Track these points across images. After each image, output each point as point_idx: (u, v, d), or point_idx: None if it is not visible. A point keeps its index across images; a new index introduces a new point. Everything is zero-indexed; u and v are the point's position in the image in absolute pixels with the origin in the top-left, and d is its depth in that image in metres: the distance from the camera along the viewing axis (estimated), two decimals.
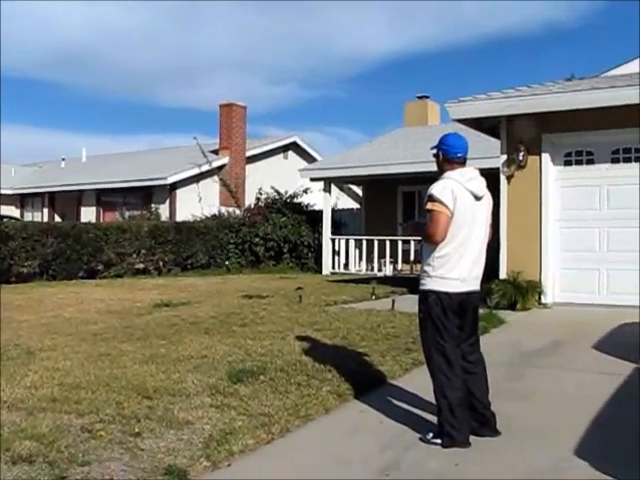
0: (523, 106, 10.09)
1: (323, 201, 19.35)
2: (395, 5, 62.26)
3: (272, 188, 21.03)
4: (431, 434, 4.22)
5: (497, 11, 61.36)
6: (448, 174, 4.26)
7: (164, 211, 22.80)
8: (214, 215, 21.19)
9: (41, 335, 7.78)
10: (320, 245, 19.18)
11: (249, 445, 4.10)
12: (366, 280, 14.44)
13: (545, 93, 10.16)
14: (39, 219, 26.23)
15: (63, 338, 7.59)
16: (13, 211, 27.87)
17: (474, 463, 3.89)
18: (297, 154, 27.21)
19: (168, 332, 7.94)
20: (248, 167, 24.68)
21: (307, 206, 20.89)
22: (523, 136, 10.42)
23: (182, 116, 75.61)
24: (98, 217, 25.05)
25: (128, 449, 3.99)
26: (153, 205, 23.13)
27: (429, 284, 4.22)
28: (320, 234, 19.17)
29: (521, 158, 10.39)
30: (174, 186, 22.99)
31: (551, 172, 10.41)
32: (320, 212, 19.47)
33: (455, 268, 4.17)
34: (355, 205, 23.89)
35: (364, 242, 18.53)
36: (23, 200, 29.12)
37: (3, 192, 27.93)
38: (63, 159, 31.68)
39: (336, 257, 19.02)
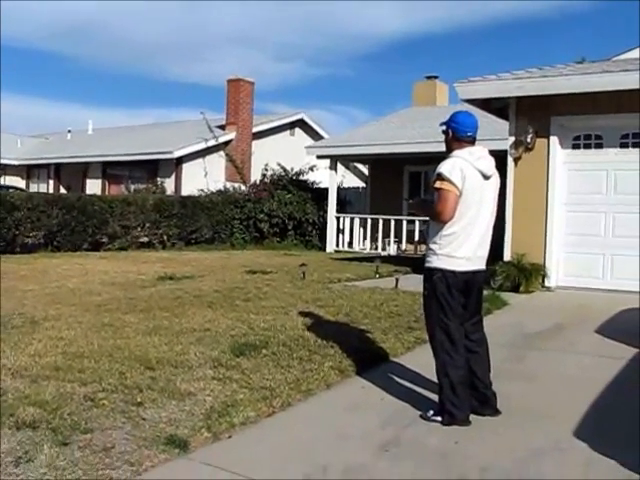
0: (533, 88, 10.02)
1: (329, 179, 19.31)
2: None
3: (278, 165, 20.98)
4: (432, 411, 4.24)
5: None
6: (457, 153, 4.24)
7: (170, 185, 22.77)
8: (219, 190, 21.17)
9: (45, 305, 7.82)
10: (325, 223, 19.17)
11: (250, 418, 4.13)
12: (370, 259, 14.45)
13: (555, 75, 10.08)
14: (44, 190, 26.20)
15: (67, 308, 7.62)
16: (19, 182, 27.86)
17: (474, 441, 3.91)
18: (304, 131, 27.11)
19: (171, 305, 7.96)
20: (254, 143, 24.61)
21: (313, 184, 20.85)
22: (532, 118, 10.36)
23: (189, 91, 75.41)
24: (103, 190, 25.04)
25: (130, 418, 4.03)
26: (159, 179, 23.10)
27: (435, 262, 4.21)
28: (325, 212, 19.15)
29: (529, 140, 10.33)
30: (180, 160, 22.94)
31: (559, 155, 10.36)
32: (325, 190, 19.43)
33: (462, 247, 4.16)
34: (361, 184, 23.82)
35: (369, 221, 18.54)
36: (29, 171, 29.10)
37: (9, 162, 27.90)
38: (69, 131, 31.59)
39: (340, 235, 19.02)
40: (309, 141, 24.81)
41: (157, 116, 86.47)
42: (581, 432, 4.03)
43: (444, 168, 4.16)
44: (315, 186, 20.78)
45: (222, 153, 23.38)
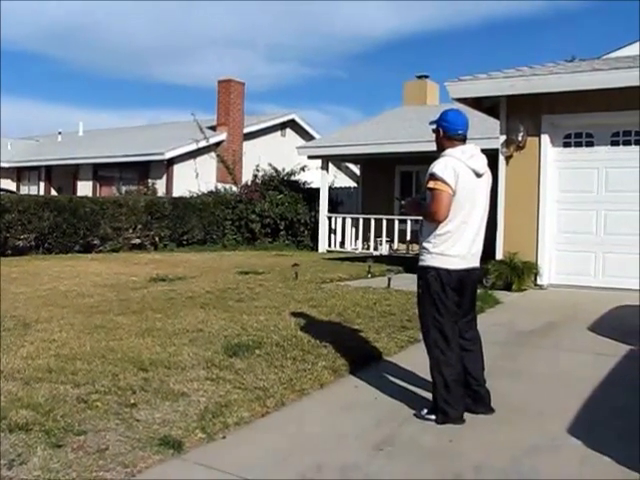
0: (523, 86, 10.03)
1: (320, 179, 19.30)
2: None
3: (269, 165, 20.97)
4: (425, 410, 4.24)
5: None
6: (449, 152, 4.23)
7: (161, 187, 22.73)
8: (211, 191, 21.14)
9: (37, 307, 7.78)
10: (316, 223, 19.16)
11: (244, 418, 4.12)
12: (362, 258, 14.46)
13: (546, 74, 10.10)
14: (35, 192, 26.09)
15: (59, 310, 7.59)
16: (9, 184, 27.72)
17: (468, 439, 3.91)
18: (295, 132, 27.11)
19: (164, 306, 7.94)
20: (245, 144, 24.59)
21: (304, 184, 20.85)
22: (523, 117, 10.39)
23: (179, 92, 75.38)
24: (95, 191, 24.97)
25: (124, 420, 4.01)
26: (150, 180, 23.05)
27: (429, 260, 4.21)
28: (317, 212, 19.15)
29: (520, 139, 10.36)
30: (171, 162, 22.91)
31: (550, 153, 10.38)
32: (317, 190, 19.43)
33: (455, 245, 4.15)
34: (352, 184, 23.85)
35: (361, 221, 18.55)
36: (19, 173, 28.98)
37: None
38: (60, 133, 31.51)
39: (332, 235, 19.03)
40: (300, 141, 24.81)
41: (148, 117, 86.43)
42: (575, 429, 4.03)
43: (437, 168, 4.15)
44: (307, 186, 20.78)
45: (213, 154, 23.36)
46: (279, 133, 26.80)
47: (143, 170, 23.40)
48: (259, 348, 5.76)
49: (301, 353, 5.64)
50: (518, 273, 9.95)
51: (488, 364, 4.53)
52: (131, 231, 18.05)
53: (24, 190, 27.60)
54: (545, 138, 10.35)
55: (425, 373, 4.45)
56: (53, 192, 26.21)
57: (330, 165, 20.06)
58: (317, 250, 18.74)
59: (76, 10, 62.40)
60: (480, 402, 4.32)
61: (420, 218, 4.47)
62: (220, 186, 21.74)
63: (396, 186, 20.27)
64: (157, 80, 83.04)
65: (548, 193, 10.34)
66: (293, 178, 20.83)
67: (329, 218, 18.99)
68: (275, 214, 19.79)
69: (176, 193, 21.73)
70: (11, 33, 64.68)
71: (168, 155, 22.57)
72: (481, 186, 4.25)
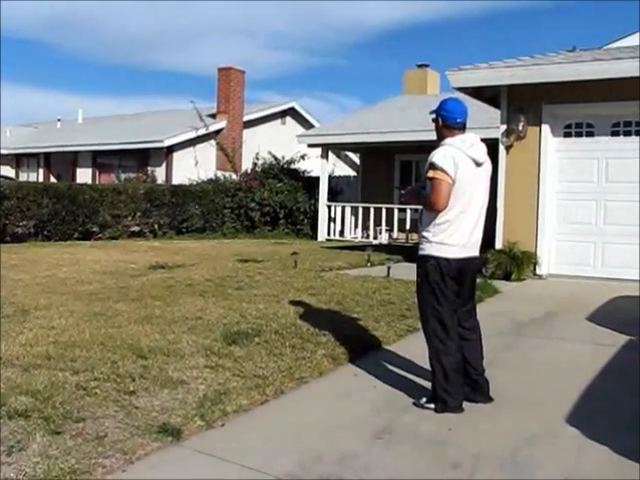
0: (524, 76, 10.00)
1: (320, 168, 19.27)
2: None
3: (269, 153, 20.93)
4: (424, 399, 4.24)
5: None
6: (449, 141, 4.22)
7: (160, 174, 22.67)
8: (210, 179, 21.10)
9: (36, 294, 7.78)
10: (316, 211, 19.15)
11: (243, 406, 4.12)
12: (361, 247, 14.45)
13: (547, 63, 10.08)
14: (34, 180, 26.05)
15: (58, 297, 7.58)
16: (8, 171, 27.65)
17: (467, 428, 3.92)
18: (295, 120, 27.03)
19: (163, 293, 7.94)
20: (245, 132, 24.53)
21: (304, 172, 20.81)
22: (523, 106, 10.36)
23: (179, 80, 75.15)
24: (94, 179, 24.92)
25: (123, 407, 4.01)
26: (149, 168, 22.98)
27: (428, 249, 4.21)
28: (316, 200, 19.13)
29: (521, 128, 10.33)
30: (171, 149, 22.85)
31: (550, 143, 10.36)
32: (317, 179, 19.41)
33: (455, 234, 4.15)
34: (352, 173, 23.81)
35: (360, 209, 18.53)
36: (18, 160, 28.92)
37: None
38: (59, 120, 31.41)
39: (332, 224, 19.01)
40: (300, 130, 24.75)
41: (147, 105, 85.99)
42: (573, 418, 4.04)
43: (436, 157, 4.14)
44: (306, 175, 20.74)
45: (213, 142, 23.31)
46: (279, 121, 26.73)
47: (142, 158, 23.35)
48: (258, 336, 5.77)
49: (300, 341, 5.65)
50: (517, 263, 9.95)
51: (487, 353, 4.53)
52: (130, 219, 18.02)
53: (23, 177, 27.55)
54: (546, 128, 10.33)
55: (424, 362, 4.46)
56: (52, 179, 26.17)
57: (330, 154, 20.04)
58: (316, 239, 18.73)
59: None
60: (479, 391, 4.33)
61: (420, 207, 4.47)
62: (220, 174, 21.69)
63: (396, 175, 20.25)
64: (157, 68, 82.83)
65: (548, 183, 10.33)
66: (293, 166, 20.80)
67: (329, 207, 18.97)
68: (275, 202, 19.77)
69: (175, 181, 21.70)
70: (10, 22, 64.42)
71: (167, 143, 22.50)
72: (481, 175, 4.24)
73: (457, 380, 4.16)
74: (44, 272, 9.78)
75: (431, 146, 4.40)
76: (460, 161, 4.11)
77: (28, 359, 4.91)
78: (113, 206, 17.53)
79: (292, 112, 27.05)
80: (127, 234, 17.91)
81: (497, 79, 10.37)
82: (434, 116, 4.38)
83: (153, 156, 23.15)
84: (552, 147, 10.37)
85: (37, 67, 76.47)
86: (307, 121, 27.03)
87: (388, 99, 23.47)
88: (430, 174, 4.13)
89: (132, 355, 5.09)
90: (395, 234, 17.86)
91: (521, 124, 10.31)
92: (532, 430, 3.85)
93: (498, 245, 10.39)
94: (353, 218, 18.80)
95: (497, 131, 10.66)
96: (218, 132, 23.75)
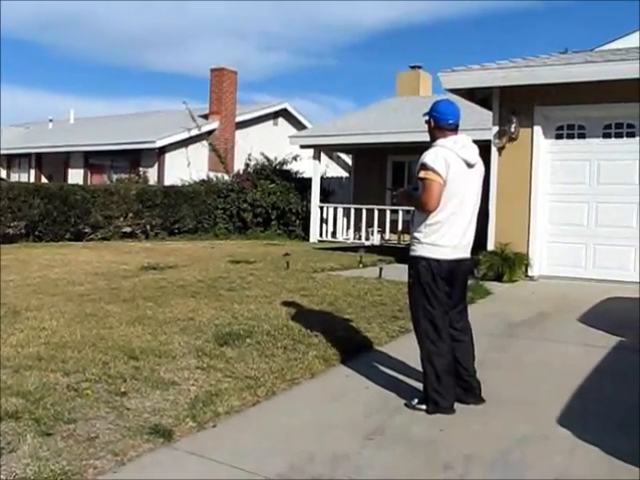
0: (516, 77, 10.03)
1: (312, 169, 19.26)
2: None
3: (261, 154, 20.92)
4: (416, 400, 4.25)
5: None
6: (440, 142, 4.23)
7: (152, 175, 22.61)
8: (203, 180, 21.07)
9: (27, 295, 7.75)
10: (308, 213, 19.14)
11: (235, 407, 4.12)
12: (353, 248, 14.45)
13: (539, 65, 10.11)
14: (26, 180, 25.95)
15: (49, 298, 7.56)
16: None
17: (458, 429, 3.92)
18: (287, 121, 27.01)
19: (155, 294, 7.93)
20: (238, 133, 24.50)
21: (296, 173, 20.80)
22: (515, 108, 10.38)
23: (171, 81, 74.90)
24: (86, 179, 24.83)
25: (114, 408, 4.00)
26: (141, 169, 22.92)
27: (420, 250, 4.21)
28: (308, 202, 19.12)
29: (513, 130, 10.36)
30: (163, 150, 22.80)
31: (542, 145, 10.39)
32: (309, 180, 19.40)
33: (446, 235, 4.16)
34: (344, 174, 23.81)
35: (352, 211, 18.53)
36: (10, 161, 28.79)
37: None
38: (51, 120, 31.30)
39: (324, 225, 19.00)
40: (292, 131, 24.72)
41: (139, 106, 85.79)
42: (564, 420, 4.05)
43: (428, 158, 4.15)
44: (298, 176, 20.73)
45: (205, 143, 23.26)
46: (271, 122, 26.70)
47: (134, 158, 23.28)
48: (250, 337, 5.76)
49: (292, 342, 5.65)
50: (509, 264, 9.97)
51: (479, 355, 4.54)
52: (122, 219, 17.98)
53: (14, 178, 27.42)
54: (538, 129, 10.36)
55: (416, 363, 4.46)
56: (44, 180, 26.07)
57: (322, 155, 20.03)
58: (308, 240, 18.73)
59: None
60: (471, 392, 4.34)
61: (412, 208, 4.47)
62: (212, 175, 21.66)
63: (388, 176, 20.25)
64: (149, 68, 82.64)
65: (540, 184, 10.35)
66: (285, 167, 20.79)
67: (321, 208, 18.96)
68: (267, 203, 19.76)
69: (168, 182, 21.65)
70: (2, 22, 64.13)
71: (160, 143, 22.45)
72: (473, 176, 4.25)
73: (449, 381, 4.17)
74: (35, 273, 9.75)
75: (423, 147, 4.41)
76: (452, 162, 4.12)
77: (19, 360, 4.90)
78: (105, 207, 17.48)
79: (284, 113, 27.03)
80: (119, 235, 17.87)
81: (489, 81, 10.40)
82: (427, 117, 4.39)
83: (145, 157, 23.09)
84: (544, 149, 10.40)
85: (28, 67, 76.15)
86: (299, 122, 27.02)
87: (380, 101, 23.50)
88: (422, 174, 4.14)
89: (123, 356, 5.07)
90: (387, 235, 17.86)
91: (513, 126, 10.34)
92: (523, 431, 3.86)
93: (490, 246, 10.41)
94: (345, 219, 18.80)
95: (489, 132, 10.68)
96: (210, 133, 23.71)
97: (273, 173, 20.45)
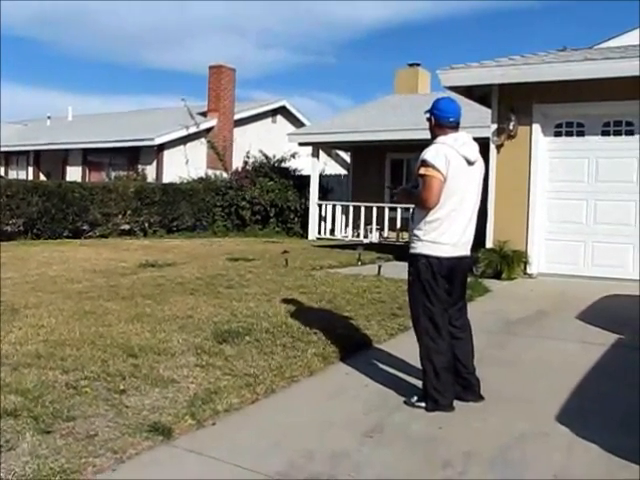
0: (515, 75, 10.03)
1: (311, 166, 19.25)
2: None
3: (260, 152, 20.91)
4: (415, 397, 4.25)
5: None
6: (441, 139, 4.24)
7: (151, 172, 22.59)
8: (201, 178, 21.05)
9: (25, 292, 7.74)
10: (307, 210, 19.13)
11: (234, 404, 4.11)
12: (352, 246, 14.46)
13: (538, 63, 10.11)
14: (24, 177, 25.90)
15: (48, 296, 7.55)
16: None
17: (458, 427, 3.92)
18: (286, 119, 26.99)
19: (153, 292, 7.92)
20: (236, 130, 24.47)
21: (295, 171, 20.79)
22: (514, 106, 10.38)
23: (170, 78, 74.87)
24: (84, 177, 24.79)
25: (113, 406, 4.00)
26: (140, 166, 22.89)
27: (419, 248, 4.21)
28: (307, 199, 19.11)
29: (511, 128, 10.35)
30: (161, 147, 22.77)
31: (541, 142, 10.39)
32: (307, 177, 19.39)
33: (446, 233, 4.16)
34: (343, 171, 23.80)
35: (351, 208, 18.51)
36: (8, 158, 28.74)
37: None
38: (49, 117, 31.25)
39: (322, 223, 18.99)
40: (291, 128, 24.73)
41: (137, 103, 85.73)
42: (563, 417, 4.05)
43: (428, 154, 4.15)
44: (297, 173, 20.73)
45: (204, 140, 23.24)
46: (270, 120, 26.68)
47: (133, 156, 23.25)
48: (249, 335, 5.75)
49: (291, 340, 5.64)
50: (508, 262, 9.97)
51: (478, 352, 4.54)
52: (120, 217, 17.98)
53: (12, 175, 27.33)
54: (536, 127, 10.35)
55: (415, 360, 4.45)
56: (42, 177, 26.04)
57: (321, 152, 20.02)
58: (307, 237, 18.72)
59: None
60: (470, 390, 4.34)
61: (411, 206, 4.47)
62: (210, 172, 21.66)
63: (386, 174, 20.24)
64: (148, 65, 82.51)
65: (539, 182, 10.35)
66: (284, 165, 20.79)
67: (319, 205, 18.95)
68: (265, 201, 19.76)
69: (166, 179, 21.63)
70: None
71: (158, 141, 22.42)
72: (473, 174, 4.25)
73: (448, 379, 4.17)
74: (34, 270, 9.74)
75: (422, 145, 4.41)
76: (452, 159, 4.12)
77: (17, 358, 4.89)
78: (103, 204, 17.48)
79: (283, 111, 27.01)
80: (117, 232, 17.86)
81: (488, 78, 10.39)
82: (428, 115, 4.40)
83: (144, 154, 23.06)
84: (543, 146, 10.40)
85: (27, 64, 76.06)
86: (298, 120, 27.01)
87: (379, 98, 23.50)
88: (422, 171, 4.14)
89: (122, 354, 5.07)
90: (386, 233, 17.85)
91: (512, 123, 10.33)
92: (522, 429, 3.86)
93: (489, 244, 10.41)
94: (344, 217, 18.78)
95: (488, 130, 10.68)
96: (209, 130, 23.69)
97: (271, 171, 20.45)
